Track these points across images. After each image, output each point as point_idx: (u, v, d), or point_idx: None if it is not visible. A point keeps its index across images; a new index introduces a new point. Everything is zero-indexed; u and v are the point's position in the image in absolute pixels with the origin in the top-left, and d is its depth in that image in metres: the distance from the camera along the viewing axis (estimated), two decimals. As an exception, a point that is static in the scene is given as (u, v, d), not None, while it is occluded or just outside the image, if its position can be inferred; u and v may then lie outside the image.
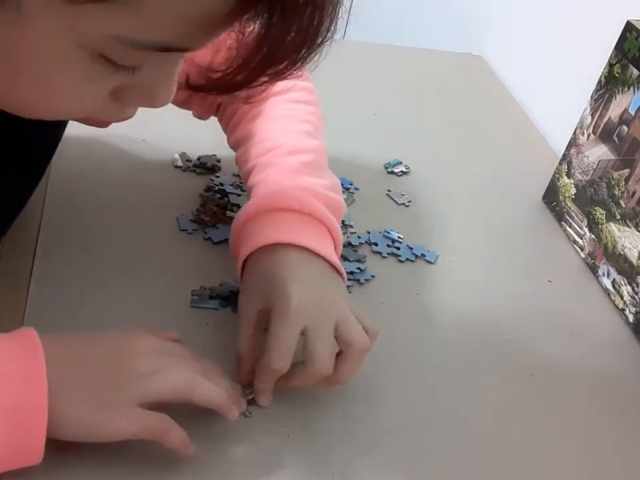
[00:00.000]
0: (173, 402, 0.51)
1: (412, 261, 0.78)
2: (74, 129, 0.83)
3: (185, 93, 0.59)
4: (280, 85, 0.54)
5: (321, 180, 0.65)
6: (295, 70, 0.48)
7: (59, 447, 0.48)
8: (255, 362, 0.58)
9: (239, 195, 0.80)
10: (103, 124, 0.51)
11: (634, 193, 0.75)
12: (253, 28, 0.43)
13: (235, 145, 0.74)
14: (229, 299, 0.67)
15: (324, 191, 0.64)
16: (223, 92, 0.48)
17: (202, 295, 0.67)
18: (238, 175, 0.83)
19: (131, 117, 0.50)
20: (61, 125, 0.65)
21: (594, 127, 0.82)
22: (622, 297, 0.76)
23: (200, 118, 0.78)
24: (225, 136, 0.77)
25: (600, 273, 0.80)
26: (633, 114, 0.76)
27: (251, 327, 0.59)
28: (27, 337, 0.49)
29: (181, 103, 0.75)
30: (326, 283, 0.59)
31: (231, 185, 0.81)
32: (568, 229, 0.86)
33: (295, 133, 0.70)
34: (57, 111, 0.47)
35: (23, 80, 0.43)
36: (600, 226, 0.80)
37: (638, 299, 0.74)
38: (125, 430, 0.49)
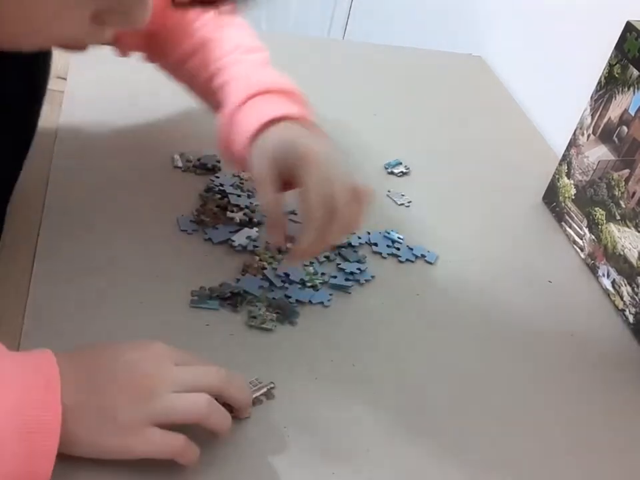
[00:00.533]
0: (186, 423, 0.51)
1: (412, 261, 0.78)
2: (73, 130, 0.84)
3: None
4: None
5: (279, 72, 0.73)
6: None
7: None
8: (284, 217, 0.64)
9: (239, 196, 0.80)
10: (82, 48, 0.53)
11: (634, 193, 0.75)
12: None
13: (185, 54, 0.76)
14: (228, 299, 0.67)
15: (287, 78, 0.72)
16: (208, 4, 0.51)
17: (202, 295, 0.67)
18: (238, 176, 0.83)
19: (109, 39, 0.52)
20: (40, 84, 0.69)
21: (594, 127, 0.82)
22: (622, 298, 0.76)
23: (123, 55, 0.79)
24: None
25: (600, 273, 0.80)
26: (632, 114, 0.76)
27: (272, 187, 0.62)
28: (43, 362, 0.48)
29: (113, 41, 0.75)
30: (326, 140, 0.65)
31: (231, 185, 0.81)
32: (568, 229, 0.86)
33: (247, 36, 0.76)
34: (40, 40, 0.50)
35: (5, 11, 0.45)
36: (600, 226, 0.80)
37: (638, 300, 0.74)
38: (140, 451, 0.50)
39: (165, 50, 0.78)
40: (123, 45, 0.79)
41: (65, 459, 0.49)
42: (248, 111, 0.66)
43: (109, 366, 0.51)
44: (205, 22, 0.76)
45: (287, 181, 0.63)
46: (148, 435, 0.49)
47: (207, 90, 0.75)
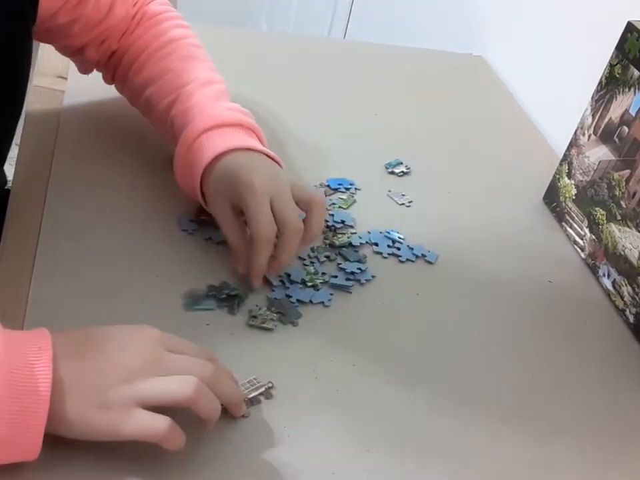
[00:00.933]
0: (173, 407, 0.51)
1: (412, 261, 0.78)
2: (74, 129, 0.84)
3: (85, 37, 0.77)
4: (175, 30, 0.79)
5: (234, 104, 0.75)
6: None
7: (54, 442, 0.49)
8: (247, 250, 0.67)
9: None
10: None
11: (634, 193, 0.75)
12: None
13: (143, 83, 0.78)
14: (225, 300, 0.67)
15: (243, 109, 0.75)
16: None
17: (194, 296, 0.66)
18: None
19: None
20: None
21: (594, 127, 0.82)
22: (622, 298, 0.76)
23: (85, 71, 0.84)
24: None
25: (600, 273, 0.80)
26: (633, 115, 0.76)
27: (231, 220, 0.69)
28: (37, 333, 0.50)
29: (77, 52, 0.81)
30: (273, 168, 0.70)
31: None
32: (568, 229, 0.86)
33: (207, 69, 0.79)
34: None
35: None
36: (600, 226, 0.80)
37: (638, 300, 0.74)
38: (127, 432, 0.49)
39: (127, 73, 0.81)
40: (85, 61, 0.82)
41: (54, 447, 0.49)
42: (202, 144, 0.70)
43: (100, 346, 0.52)
44: (169, 51, 0.79)
45: (234, 205, 0.68)
46: (134, 416, 0.49)
47: (162, 119, 0.77)
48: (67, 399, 0.48)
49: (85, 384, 0.49)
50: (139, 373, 0.50)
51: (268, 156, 0.71)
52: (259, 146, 0.71)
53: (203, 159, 0.69)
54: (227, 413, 0.56)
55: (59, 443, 0.49)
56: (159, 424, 0.50)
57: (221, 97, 0.76)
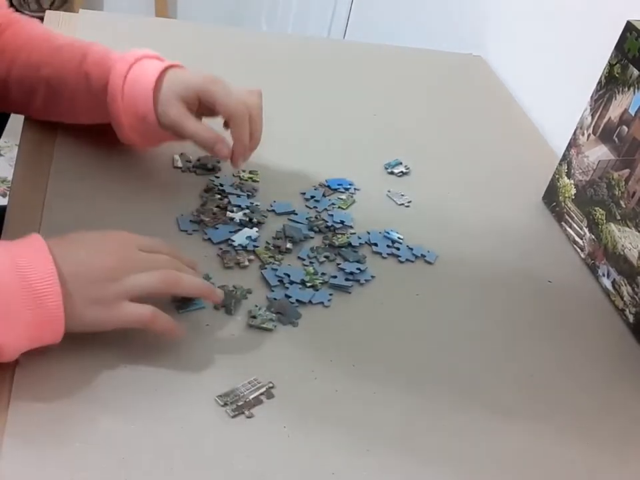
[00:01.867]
0: (159, 294, 0.61)
1: (412, 261, 0.78)
2: (73, 129, 0.84)
3: None
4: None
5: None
6: None
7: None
8: (216, 135, 0.74)
9: (238, 196, 0.80)
10: None
11: (634, 193, 0.75)
12: None
13: (34, 66, 0.79)
14: (222, 301, 0.67)
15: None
16: None
17: (184, 298, 0.66)
18: (238, 176, 0.84)
19: None
20: None
21: (594, 127, 0.82)
22: (622, 297, 0.76)
23: None
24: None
25: (600, 273, 0.80)
26: (633, 114, 0.76)
27: (190, 116, 0.74)
28: (30, 236, 0.57)
29: None
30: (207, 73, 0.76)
31: (231, 185, 0.82)
32: (568, 229, 0.86)
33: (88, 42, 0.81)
34: None
35: None
36: (600, 226, 0.80)
37: (638, 299, 0.74)
38: (116, 320, 0.57)
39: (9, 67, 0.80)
40: None
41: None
42: (138, 74, 0.75)
43: (82, 251, 0.58)
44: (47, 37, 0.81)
45: (190, 107, 0.75)
46: (123, 307, 0.57)
47: (75, 80, 0.77)
48: (64, 298, 0.54)
49: (76, 283, 0.55)
50: (120, 271, 0.58)
51: None
52: (180, 64, 0.78)
53: (147, 79, 0.74)
54: (236, 414, 0.56)
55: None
56: (144, 310, 0.58)
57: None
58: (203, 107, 0.75)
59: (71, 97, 0.79)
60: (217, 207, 0.78)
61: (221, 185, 0.81)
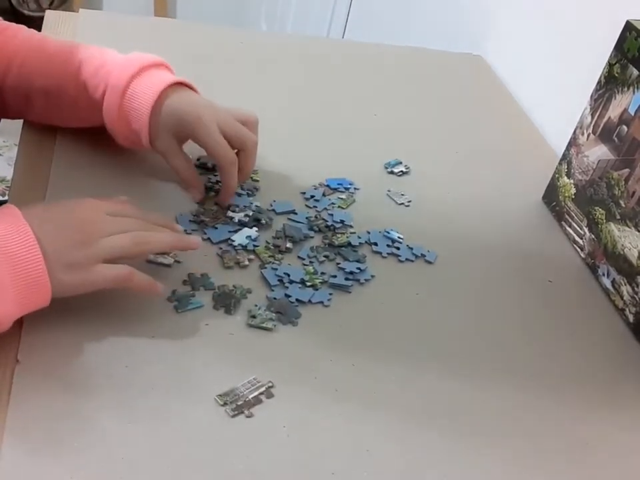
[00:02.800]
0: (132, 255, 0.63)
1: (412, 261, 0.78)
2: (73, 129, 0.84)
3: None
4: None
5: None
6: None
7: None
8: (196, 176, 0.78)
9: (239, 195, 0.80)
10: None
11: (634, 192, 0.75)
12: None
13: (22, 76, 0.78)
14: (222, 300, 0.67)
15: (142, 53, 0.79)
16: None
17: (179, 297, 0.66)
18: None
19: None
20: None
21: (594, 126, 0.82)
22: (622, 297, 0.76)
23: None
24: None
25: (600, 272, 0.80)
26: (632, 114, 0.76)
27: (178, 152, 0.77)
28: (10, 211, 0.58)
29: None
30: (205, 99, 0.78)
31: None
32: (568, 228, 0.86)
33: (84, 47, 0.80)
34: None
35: None
36: (600, 226, 0.80)
37: (638, 299, 0.74)
38: (94, 281, 0.60)
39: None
40: None
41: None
42: (137, 91, 0.75)
43: (54, 219, 0.60)
44: (40, 46, 0.80)
45: (180, 140, 0.77)
46: (99, 269, 0.60)
47: (77, 90, 0.77)
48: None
49: (51, 249, 0.57)
50: (92, 235, 0.60)
51: (191, 87, 0.79)
52: (185, 79, 0.78)
53: (146, 100, 0.74)
54: (235, 413, 0.56)
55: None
56: (121, 269, 0.61)
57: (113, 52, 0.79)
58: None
59: (71, 104, 0.79)
60: (217, 205, 0.78)
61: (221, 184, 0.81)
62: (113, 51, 0.79)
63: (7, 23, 0.83)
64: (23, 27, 0.83)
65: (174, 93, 0.76)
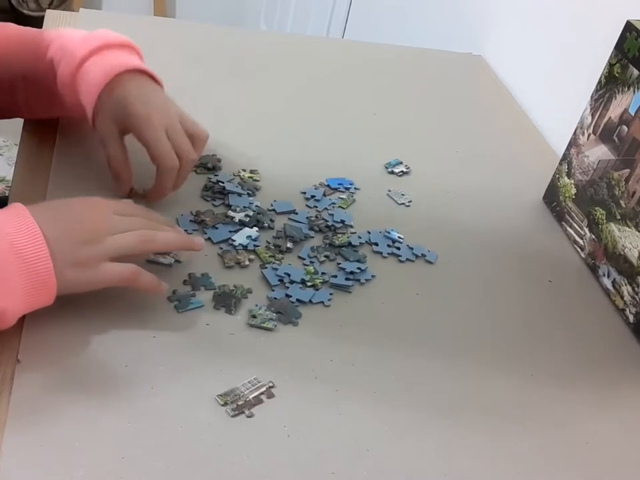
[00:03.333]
0: (138, 253, 0.64)
1: (412, 261, 0.78)
2: (73, 129, 0.84)
3: None
4: None
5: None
6: None
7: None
8: (126, 171, 0.74)
9: (239, 195, 0.80)
10: None
11: (634, 193, 0.75)
12: None
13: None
14: (223, 300, 0.67)
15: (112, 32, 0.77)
16: None
17: (180, 297, 0.66)
18: (238, 175, 0.84)
19: None
20: None
21: (594, 127, 0.82)
22: (622, 297, 0.76)
23: None
24: (223, 136, 0.77)
25: (600, 273, 0.80)
26: (633, 114, 0.76)
27: (116, 142, 0.73)
28: (18, 209, 0.58)
29: None
30: (163, 97, 0.75)
31: (231, 183, 0.81)
32: (568, 229, 0.86)
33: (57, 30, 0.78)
34: None
35: None
36: (600, 226, 0.80)
37: (638, 299, 0.74)
38: (101, 280, 0.60)
39: None
40: None
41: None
42: (96, 63, 0.73)
43: (61, 217, 0.60)
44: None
45: (122, 131, 0.74)
46: (104, 267, 0.60)
47: (45, 68, 0.76)
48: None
49: (58, 247, 0.57)
50: (99, 233, 0.60)
51: (153, 77, 0.75)
52: (148, 69, 0.75)
53: (98, 77, 0.72)
54: (236, 413, 0.56)
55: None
56: (127, 267, 0.61)
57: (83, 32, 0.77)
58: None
59: (47, 88, 0.77)
60: (217, 206, 0.78)
61: (221, 183, 0.81)
62: (83, 31, 0.77)
63: None
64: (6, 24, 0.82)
65: (130, 81, 0.73)
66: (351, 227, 0.80)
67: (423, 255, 0.78)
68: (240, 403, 0.58)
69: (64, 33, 0.77)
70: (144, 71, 0.74)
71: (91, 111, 0.73)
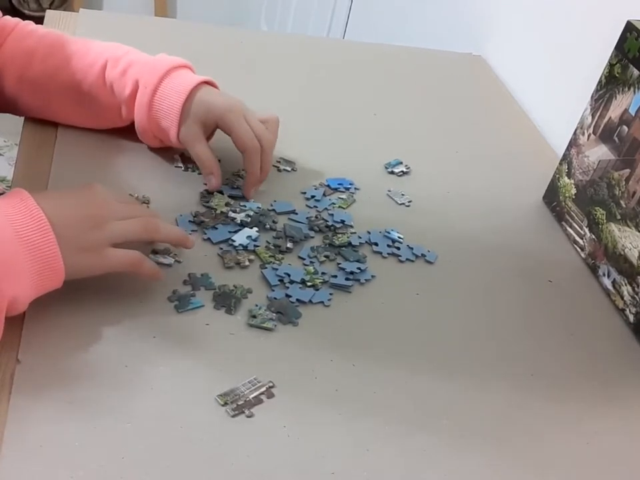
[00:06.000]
0: (141, 241, 0.65)
1: (412, 261, 0.78)
2: (73, 129, 0.84)
3: None
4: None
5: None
6: None
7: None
8: (217, 166, 0.79)
9: (239, 195, 0.80)
10: None
11: (634, 193, 0.75)
12: None
13: (44, 72, 0.80)
14: (222, 300, 0.67)
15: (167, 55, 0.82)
16: None
17: (180, 297, 0.66)
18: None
19: None
20: None
21: (594, 127, 0.82)
22: (622, 297, 0.76)
23: None
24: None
25: (600, 273, 0.80)
26: (633, 114, 0.76)
27: (203, 141, 0.79)
28: (22, 196, 0.58)
29: None
30: (227, 94, 0.82)
31: (227, 183, 0.81)
32: (568, 229, 0.86)
33: (107, 45, 0.83)
34: None
35: None
36: (600, 226, 0.80)
37: (638, 299, 0.74)
38: (106, 265, 0.61)
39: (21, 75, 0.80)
40: None
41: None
42: (168, 90, 0.78)
43: (64, 202, 0.61)
44: (57, 41, 0.81)
45: (205, 131, 0.79)
46: (108, 253, 0.61)
47: (97, 87, 0.79)
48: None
49: (62, 232, 0.58)
50: (102, 218, 0.61)
51: (215, 86, 0.82)
52: (210, 78, 0.81)
53: (177, 98, 0.77)
54: (236, 413, 0.56)
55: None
56: (132, 254, 0.63)
57: (142, 52, 0.82)
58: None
59: (91, 101, 0.80)
60: (217, 206, 0.78)
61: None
62: (136, 50, 0.81)
63: (15, 19, 0.84)
64: (32, 23, 0.84)
65: (202, 90, 0.79)
66: (351, 226, 0.80)
67: (423, 255, 0.78)
68: (240, 402, 0.58)
69: (119, 52, 0.80)
70: (207, 81, 0.81)
71: (175, 130, 0.78)
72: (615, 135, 0.79)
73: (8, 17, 0.84)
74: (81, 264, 0.60)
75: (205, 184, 0.80)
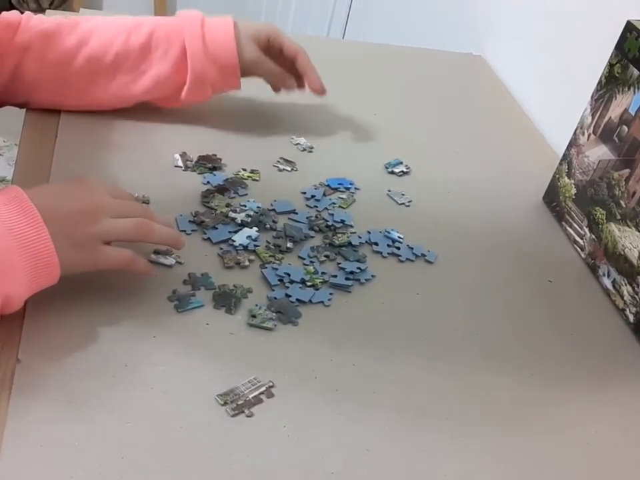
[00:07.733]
0: (133, 241, 0.64)
1: (412, 260, 0.78)
2: (73, 129, 0.84)
3: None
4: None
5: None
6: None
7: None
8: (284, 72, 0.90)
9: (240, 195, 0.80)
10: None
11: (634, 193, 0.75)
12: None
13: (71, 49, 0.82)
14: (222, 300, 0.67)
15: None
16: None
17: (180, 297, 0.66)
18: (238, 174, 0.83)
19: None
20: None
21: (594, 127, 0.82)
22: (622, 297, 0.76)
23: None
24: (224, 135, 0.78)
25: (600, 273, 0.80)
26: (633, 114, 0.76)
27: (268, 59, 0.88)
28: (14, 192, 0.58)
29: None
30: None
31: (228, 180, 0.81)
32: (568, 229, 0.86)
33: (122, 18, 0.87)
34: None
35: None
36: (600, 226, 0.80)
37: (638, 299, 0.74)
38: (99, 261, 0.61)
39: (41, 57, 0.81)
40: None
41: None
42: (213, 31, 0.84)
43: (56, 197, 0.61)
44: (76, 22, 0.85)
45: (264, 50, 0.88)
46: (101, 250, 0.61)
47: (122, 57, 0.83)
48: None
49: (55, 228, 0.57)
50: (95, 214, 0.61)
51: None
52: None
53: (225, 34, 0.85)
54: (236, 413, 0.56)
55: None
56: (124, 252, 0.63)
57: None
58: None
59: (115, 70, 0.83)
60: (218, 206, 0.78)
61: (222, 183, 0.81)
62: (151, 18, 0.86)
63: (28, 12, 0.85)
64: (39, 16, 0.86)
65: (238, 21, 0.86)
66: (351, 226, 0.80)
67: (423, 255, 0.78)
68: (240, 402, 0.58)
69: (149, 22, 0.85)
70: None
71: (236, 57, 0.85)
72: (615, 134, 0.79)
73: (15, 11, 0.84)
74: (74, 259, 0.59)
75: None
